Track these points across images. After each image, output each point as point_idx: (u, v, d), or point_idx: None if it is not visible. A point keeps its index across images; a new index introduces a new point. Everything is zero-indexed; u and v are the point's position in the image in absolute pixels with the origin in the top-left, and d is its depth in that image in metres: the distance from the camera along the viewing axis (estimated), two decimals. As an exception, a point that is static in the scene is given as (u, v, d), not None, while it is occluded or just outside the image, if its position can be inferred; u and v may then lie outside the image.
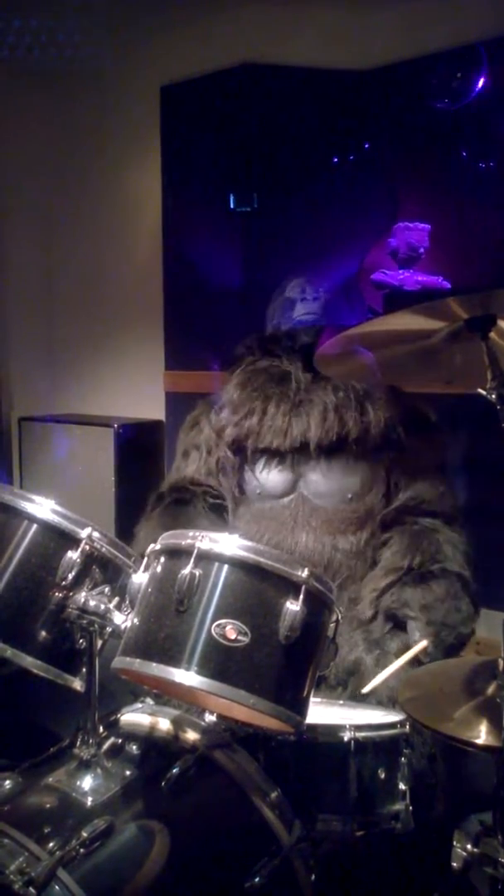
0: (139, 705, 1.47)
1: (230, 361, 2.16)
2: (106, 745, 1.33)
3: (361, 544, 1.96)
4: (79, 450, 3.19)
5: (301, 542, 1.94)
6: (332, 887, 1.41)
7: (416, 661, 1.69)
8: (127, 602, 1.25)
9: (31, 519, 1.29)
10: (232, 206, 3.01)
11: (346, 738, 1.41)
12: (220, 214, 3.06)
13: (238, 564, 1.17)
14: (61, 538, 1.29)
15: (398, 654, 1.74)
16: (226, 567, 1.17)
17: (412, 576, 1.84)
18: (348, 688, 1.75)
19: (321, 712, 1.55)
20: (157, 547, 1.25)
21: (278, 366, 2.06)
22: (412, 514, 1.96)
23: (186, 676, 1.11)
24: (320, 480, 1.99)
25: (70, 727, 1.36)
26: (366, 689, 1.62)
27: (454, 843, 1.23)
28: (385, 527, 1.98)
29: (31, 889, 1.04)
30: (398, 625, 1.82)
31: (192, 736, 1.39)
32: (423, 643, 1.70)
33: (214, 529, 1.97)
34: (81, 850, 1.11)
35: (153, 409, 3.37)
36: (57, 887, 1.06)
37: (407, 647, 1.73)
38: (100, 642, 1.28)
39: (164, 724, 1.41)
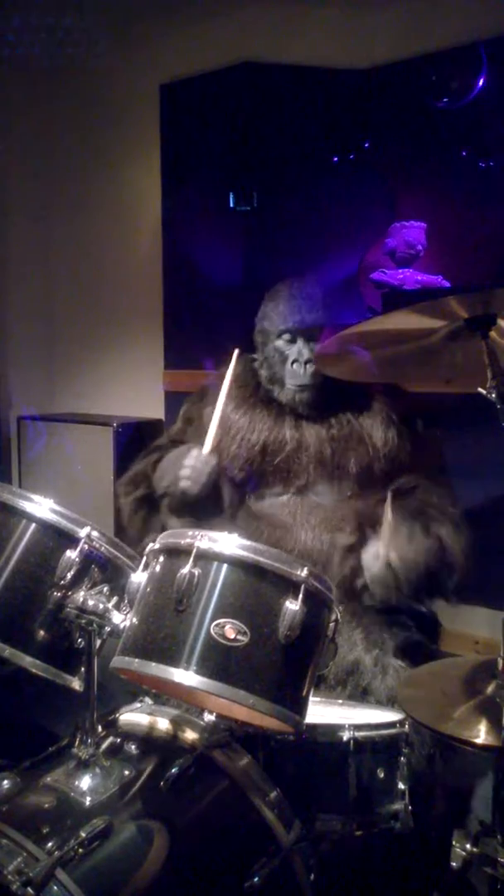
0: (138, 705, 1.47)
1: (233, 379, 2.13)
2: (104, 745, 1.33)
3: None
4: (78, 449, 3.19)
5: (300, 539, 1.93)
6: (331, 887, 1.40)
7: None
8: (126, 601, 1.25)
9: (30, 518, 1.29)
10: (232, 204, 3.01)
11: (345, 738, 1.41)
12: (219, 213, 3.06)
13: (237, 564, 1.17)
14: (60, 537, 1.28)
15: (396, 654, 1.74)
16: (225, 566, 1.17)
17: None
18: (347, 687, 1.75)
19: (320, 712, 1.55)
20: (156, 546, 1.25)
21: (278, 402, 2.03)
22: (408, 495, 1.92)
23: (185, 676, 1.11)
24: (319, 479, 1.98)
25: (69, 727, 1.36)
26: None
27: (453, 842, 1.23)
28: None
29: (30, 889, 1.04)
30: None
31: (191, 735, 1.39)
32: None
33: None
34: (80, 851, 1.11)
35: (152, 407, 3.37)
36: (55, 888, 1.06)
37: (406, 645, 1.73)
38: (98, 642, 1.27)
39: (163, 724, 1.41)
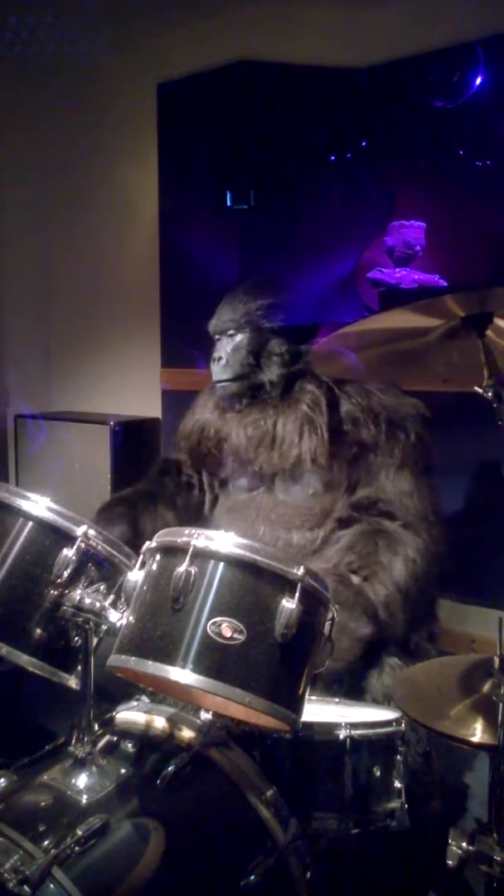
0: (134, 703, 1.47)
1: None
2: (101, 743, 1.33)
3: (318, 542, 1.93)
4: (75, 447, 3.19)
5: (258, 534, 1.95)
6: (327, 885, 1.41)
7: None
8: (122, 600, 1.25)
9: (27, 516, 1.29)
10: (229, 203, 3.00)
11: (341, 736, 1.41)
12: (216, 212, 3.06)
13: (234, 562, 1.17)
14: (57, 536, 1.28)
15: (392, 652, 1.74)
16: (221, 565, 1.17)
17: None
18: (344, 685, 1.75)
19: (317, 710, 1.55)
20: (153, 544, 1.25)
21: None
22: (368, 512, 1.90)
23: (182, 674, 1.11)
24: (285, 476, 2.00)
25: (65, 725, 1.36)
26: None
27: (449, 840, 1.23)
28: (343, 525, 1.92)
29: (26, 888, 1.04)
30: None
31: (187, 734, 1.39)
32: None
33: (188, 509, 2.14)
34: (76, 849, 1.11)
35: (149, 406, 3.37)
36: (52, 886, 1.06)
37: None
38: (95, 640, 1.27)
39: (160, 722, 1.41)
